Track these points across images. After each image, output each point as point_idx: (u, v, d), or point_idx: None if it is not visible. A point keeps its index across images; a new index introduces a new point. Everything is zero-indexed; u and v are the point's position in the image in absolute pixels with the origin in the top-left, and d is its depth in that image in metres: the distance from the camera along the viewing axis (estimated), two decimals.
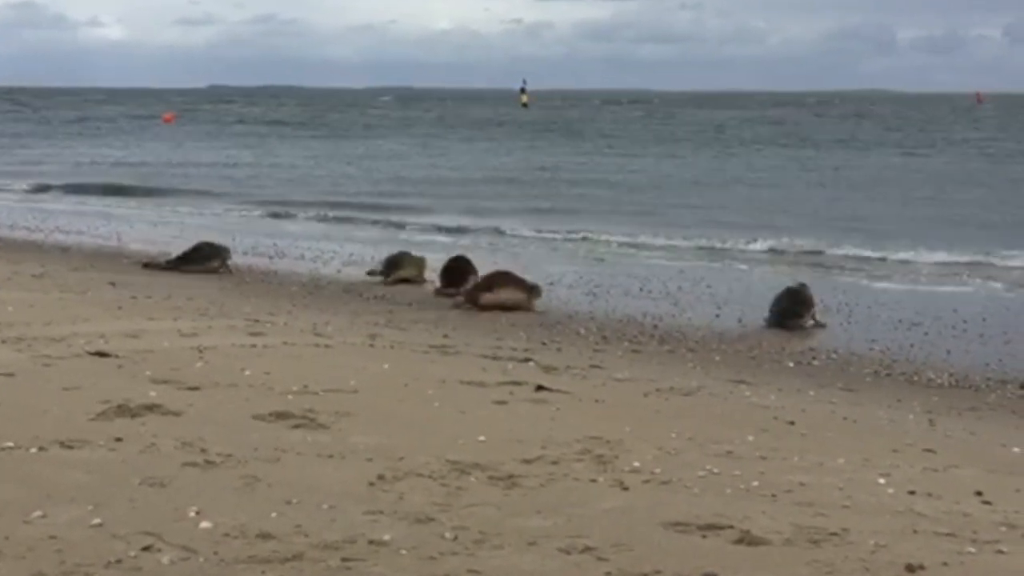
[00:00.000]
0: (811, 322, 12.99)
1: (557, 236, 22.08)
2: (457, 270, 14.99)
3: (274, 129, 71.50)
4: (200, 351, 9.15)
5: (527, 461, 6.21)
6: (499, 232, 22.70)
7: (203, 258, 16.21)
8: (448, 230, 23.10)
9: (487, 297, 13.56)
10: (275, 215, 26.14)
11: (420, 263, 15.93)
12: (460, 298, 13.85)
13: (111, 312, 11.31)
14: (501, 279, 13.91)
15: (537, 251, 19.86)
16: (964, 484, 6.18)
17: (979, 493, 5.97)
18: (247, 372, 8.31)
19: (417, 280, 15.57)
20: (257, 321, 11.20)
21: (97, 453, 6.12)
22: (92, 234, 20.97)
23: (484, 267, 15.04)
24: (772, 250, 20.09)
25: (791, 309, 12.98)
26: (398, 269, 15.70)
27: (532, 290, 13.85)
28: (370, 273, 15.97)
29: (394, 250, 16.94)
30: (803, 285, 13.58)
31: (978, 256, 18.74)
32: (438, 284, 14.96)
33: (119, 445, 6.27)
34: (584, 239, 21.60)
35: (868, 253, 19.30)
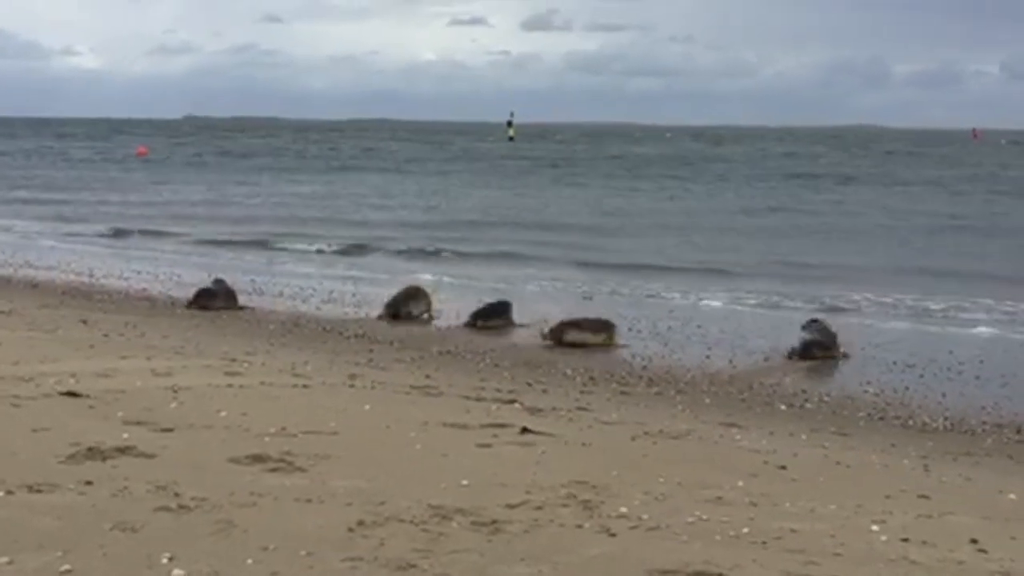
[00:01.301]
0: (840, 352, 13.85)
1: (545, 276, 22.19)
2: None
3: (248, 162, 71.59)
4: (175, 391, 9.14)
5: (511, 506, 6.22)
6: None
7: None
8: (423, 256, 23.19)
9: (572, 335, 14.26)
10: (253, 250, 26.15)
11: (428, 298, 16.41)
12: (545, 334, 14.42)
13: (82, 351, 11.29)
14: (586, 320, 14.75)
15: (525, 288, 19.87)
16: (959, 531, 6.20)
17: (974, 541, 5.99)
18: (223, 413, 8.31)
19: (427, 316, 16.08)
20: (234, 360, 11.20)
21: (66, 497, 6.10)
22: (64, 269, 20.94)
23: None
24: (761, 291, 20.14)
25: (819, 341, 13.83)
26: (407, 306, 16.13)
27: (609, 329, 14.60)
28: (381, 317, 16.04)
29: (373, 288, 17.17)
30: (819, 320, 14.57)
31: (974, 299, 18.84)
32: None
33: (89, 489, 6.25)
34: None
35: (865, 295, 19.39)
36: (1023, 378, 12.88)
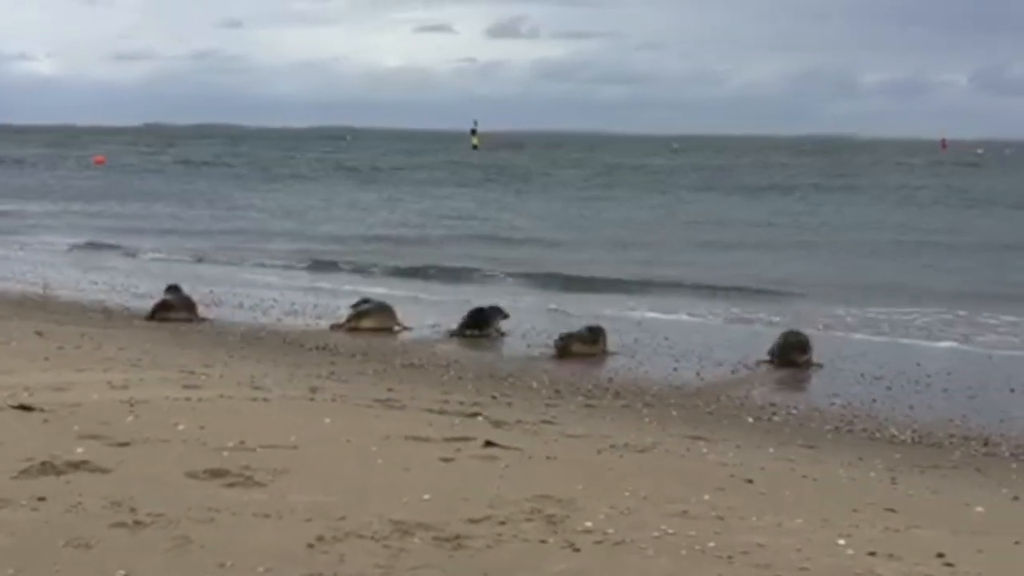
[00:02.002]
0: (812, 361, 14.25)
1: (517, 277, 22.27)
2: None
3: (206, 171, 71.29)
4: (131, 405, 9.08)
5: (474, 521, 6.22)
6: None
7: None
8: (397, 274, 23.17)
9: (577, 347, 14.55)
10: (214, 262, 26.04)
11: (390, 312, 16.46)
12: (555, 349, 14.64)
13: (36, 363, 11.20)
14: (586, 331, 15.00)
15: (490, 298, 19.85)
16: (926, 545, 6.25)
17: (941, 555, 6.04)
18: (180, 427, 8.26)
19: (385, 329, 16.07)
20: (192, 373, 11.14)
21: (19, 513, 6.05)
22: (18, 280, 20.77)
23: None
24: (733, 301, 20.26)
25: (796, 345, 14.26)
26: (365, 318, 16.17)
27: (600, 336, 14.93)
28: (334, 327, 16.08)
29: (332, 299, 17.21)
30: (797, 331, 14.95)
31: (941, 311, 19.00)
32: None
33: (43, 505, 6.20)
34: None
35: (831, 307, 19.53)
36: (991, 391, 13.00)
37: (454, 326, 16.23)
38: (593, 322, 15.50)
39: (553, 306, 19.30)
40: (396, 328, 16.24)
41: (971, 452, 10.27)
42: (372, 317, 16.29)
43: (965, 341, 16.49)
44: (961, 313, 18.70)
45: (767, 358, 14.25)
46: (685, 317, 18.26)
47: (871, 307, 19.36)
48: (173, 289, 17.18)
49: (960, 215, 43.47)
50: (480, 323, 16.06)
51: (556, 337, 14.78)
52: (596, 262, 26.40)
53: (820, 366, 14.15)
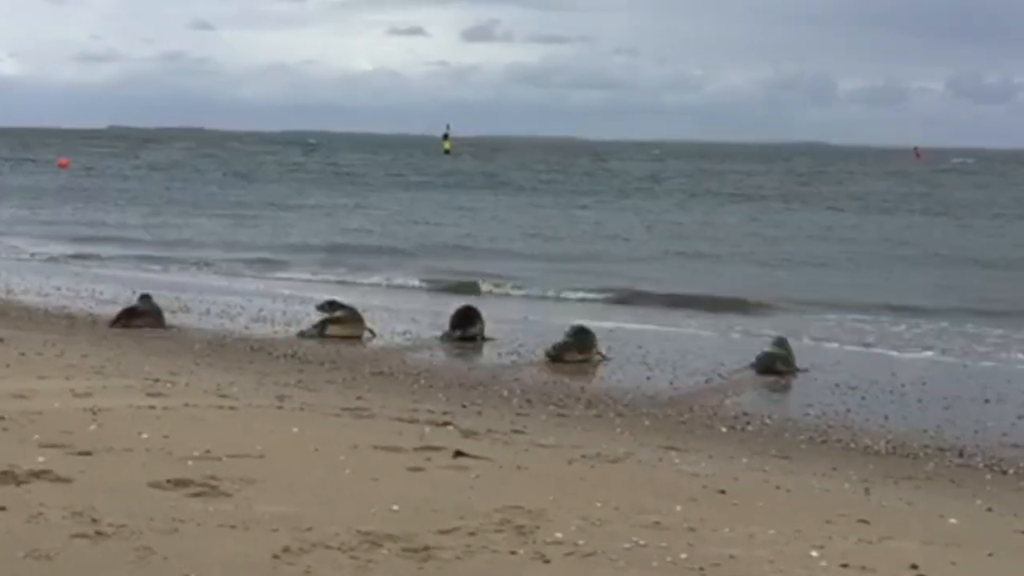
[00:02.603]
0: (795, 368, 14.48)
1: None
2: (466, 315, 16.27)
3: (174, 174, 71.02)
4: (94, 413, 9.03)
5: (443, 532, 6.21)
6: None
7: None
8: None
9: (572, 355, 14.70)
10: (176, 267, 25.91)
11: (359, 319, 16.40)
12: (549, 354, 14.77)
13: None
14: (585, 339, 15.10)
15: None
16: (899, 557, 6.28)
17: (914, 566, 6.07)
18: (144, 436, 8.21)
19: (355, 337, 16.02)
20: (157, 381, 11.09)
21: None
22: None
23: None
24: (704, 309, 20.31)
25: (781, 356, 14.42)
26: (334, 325, 16.14)
27: (592, 341, 15.10)
28: (301, 335, 16.04)
29: (300, 306, 17.21)
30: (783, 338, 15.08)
31: (916, 321, 19.13)
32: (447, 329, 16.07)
33: (2, 515, 6.15)
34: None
35: (804, 316, 19.63)
36: (966, 402, 13.10)
37: (431, 333, 16.24)
38: (573, 326, 15.50)
39: (524, 316, 19.28)
40: (365, 335, 16.21)
41: (945, 463, 10.34)
42: (341, 324, 16.25)
43: (940, 351, 16.60)
44: (942, 324, 18.84)
45: (750, 366, 14.35)
46: (657, 327, 18.28)
47: (846, 316, 19.47)
48: (144, 298, 17.08)
49: (934, 224, 43.78)
50: (473, 319, 16.21)
51: (549, 347, 14.81)
52: (568, 271, 26.41)
53: (806, 371, 14.42)
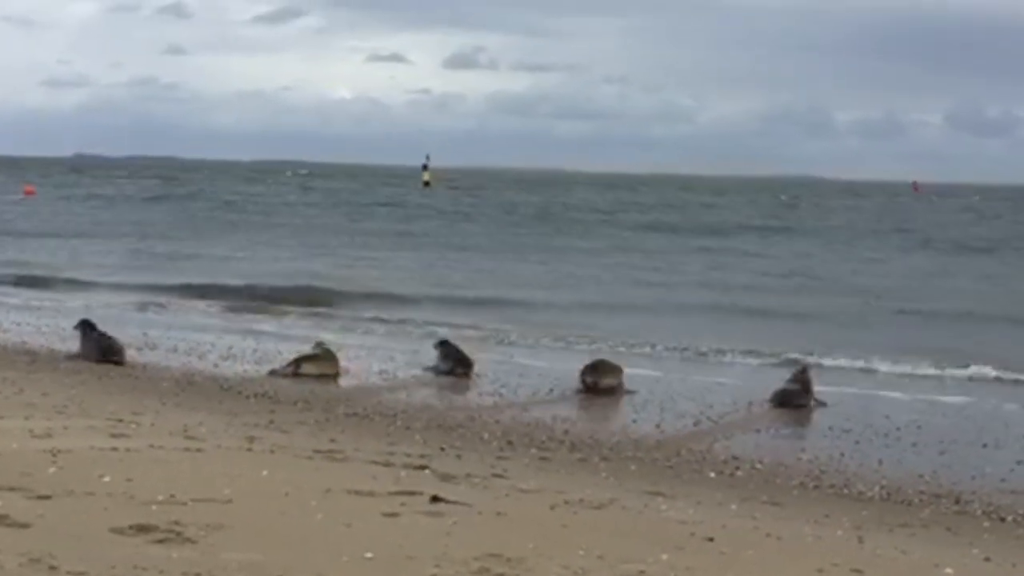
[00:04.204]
0: (813, 402, 15.15)
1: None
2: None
3: (141, 205, 70.95)
4: (54, 454, 8.98)
5: None
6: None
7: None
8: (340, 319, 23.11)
9: (606, 382, 15.44)
10: (150, 302, 25.78)
11: (333, 358, 16.42)
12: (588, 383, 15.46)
13: None
14: (609, 366, 15.97)
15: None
16: None
17: None
18: (106, 479, 8.17)
19: (329, 376, 16.05)
20: (120, 421, 11.04)
21: None
22: None
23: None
24: (691, 353, 20.26)
25: (797, 390, 15.04)
26: (307, 363, 16.16)
27: (619, 370, 15.89)
28: (273, 373, 16.01)
29: (273, 344, 17.20)
30: (805, 368, 16.00)
31: (911, 362, 19.14)
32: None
33: None
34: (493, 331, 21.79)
35: (793, 356, 19.63)
36: (962, 445, 13.12)
37: (418, 370, 16.55)
38: (594, 358, 16.51)
39: (501, 357, 19.20)
40: (339, 374, 16.17)
41: (941, 510, 10.34)
42: (316, 362, 16.22)
43: (935, 393, 16.63)
44: (930, 365, 18.85)
45: (771, 401, 15.01)
46: (642, 371, 18.23)
47: (838, 358, 19.50)
48: (85, 325, 16.99)
49: (932, 262, 43.92)
50: (464, 360, 16.64)
51: (583, 371, 15.54)
52: (547, 311, 26.32)
53: (824, 404, 15.07)
